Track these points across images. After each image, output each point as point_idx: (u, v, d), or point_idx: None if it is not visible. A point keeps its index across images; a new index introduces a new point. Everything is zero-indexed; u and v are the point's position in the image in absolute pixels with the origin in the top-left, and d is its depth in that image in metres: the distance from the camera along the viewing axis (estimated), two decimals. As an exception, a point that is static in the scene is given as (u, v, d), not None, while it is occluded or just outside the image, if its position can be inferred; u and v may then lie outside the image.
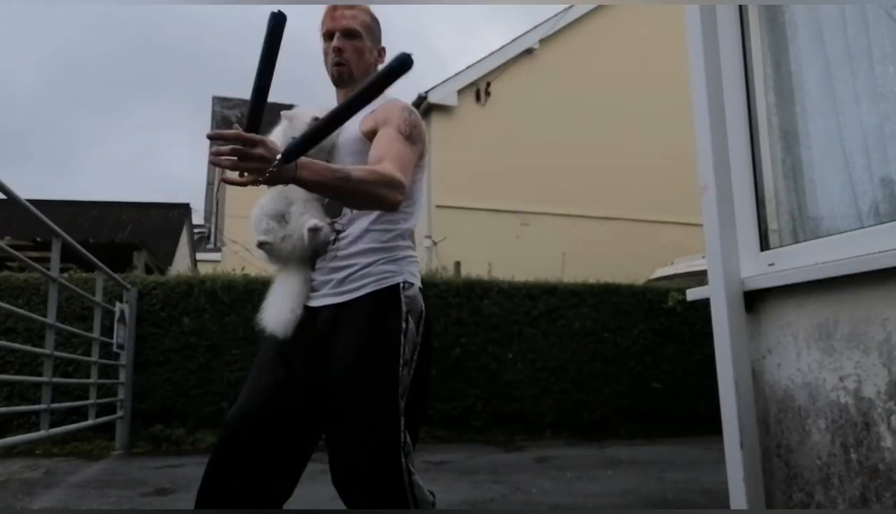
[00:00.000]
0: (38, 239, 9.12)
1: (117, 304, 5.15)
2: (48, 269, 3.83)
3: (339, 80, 1.67)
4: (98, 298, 4.93)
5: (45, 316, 3.87)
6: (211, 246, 17.95)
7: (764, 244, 1.97)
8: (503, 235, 10.07)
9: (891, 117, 1.76)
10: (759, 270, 1.93)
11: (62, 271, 5.07)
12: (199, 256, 16.80)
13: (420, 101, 10.46)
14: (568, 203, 10.56)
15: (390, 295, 1.54)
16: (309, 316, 1.57)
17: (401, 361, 1.50)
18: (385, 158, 1.44)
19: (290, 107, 1.65)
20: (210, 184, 19.10)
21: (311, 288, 1.59)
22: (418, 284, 1.61)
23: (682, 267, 7.93)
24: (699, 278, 6.84)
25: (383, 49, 1.75)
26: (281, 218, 1.59)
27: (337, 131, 1.48)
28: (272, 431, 1.45)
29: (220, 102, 18.10)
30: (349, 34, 1.66)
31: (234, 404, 1.51)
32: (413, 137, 1.55)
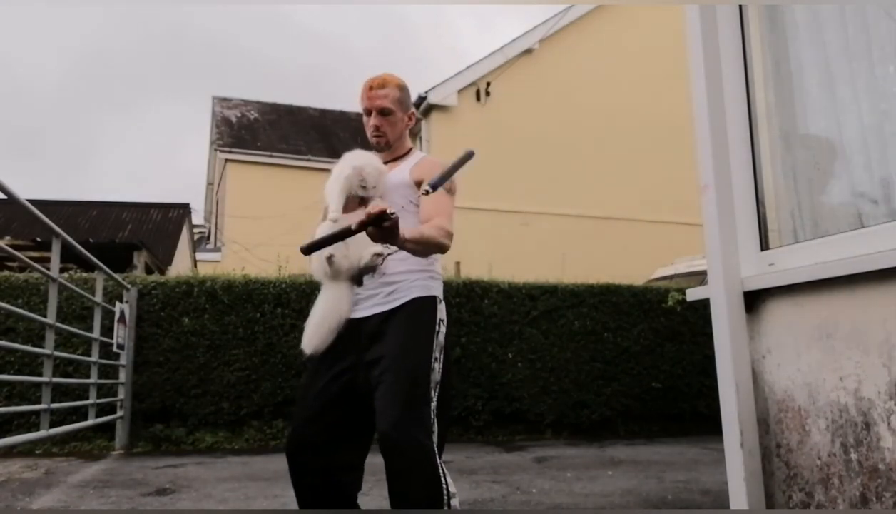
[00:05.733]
0: (38, 239, 9.13)
1: (117, 304, 5.15)
2: (48, 269, 3.82)
3: (378, 147, 2.06)
4: (98, 298, 4.93)
5: (45, 316, 3.87)
6: (211, 246, 17.92)
7: (764, 244, 1.97)
8: (503, 235, 10.06)
9: (891, 117, 1.76)
10: (759, 270, 1.93)
11: (62, 271, 5.06)
12: (199, 256, 16.78)
13: (420, 101, 10.43)
14: (568, 203, 10.56)
15: (430, 302, 1.92)
16: (354, 325, 1.89)
17: (434, 352, 1.86)
18: (438, 215, 1.86)
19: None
20: (210, 184, 19.08)
21: (355, 301, 1.91)
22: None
23: (682, 267, 7.92)
24: (699, 277, 6.84)
25: (413, 113, 2.12)
26: (343, 242, 1.93)
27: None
28: (320, 439, 1.85)
29: (221, 102, 18.08)
30: (383, 112, 2.01)
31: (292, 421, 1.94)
32: (452, 191, 1.95)
